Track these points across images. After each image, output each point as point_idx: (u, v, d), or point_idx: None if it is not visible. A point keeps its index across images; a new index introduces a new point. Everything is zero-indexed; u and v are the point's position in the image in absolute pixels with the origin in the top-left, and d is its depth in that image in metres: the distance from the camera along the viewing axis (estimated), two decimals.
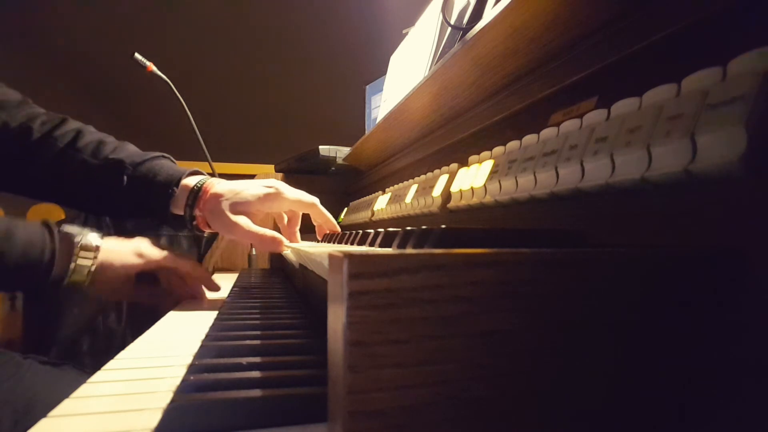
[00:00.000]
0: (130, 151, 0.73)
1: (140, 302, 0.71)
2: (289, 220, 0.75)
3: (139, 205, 0.70)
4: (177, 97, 1.25)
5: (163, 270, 0.69)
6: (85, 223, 1.39)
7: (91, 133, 0.74)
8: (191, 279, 0.70)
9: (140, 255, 0.65)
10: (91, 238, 0.61)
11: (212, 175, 1.10)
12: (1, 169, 0.72)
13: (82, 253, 0.59)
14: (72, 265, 0.59)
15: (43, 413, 0.26)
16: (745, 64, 0.24)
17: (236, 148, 1.94)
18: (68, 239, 0.59)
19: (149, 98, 1.74)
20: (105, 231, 0.64)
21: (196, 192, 0.67)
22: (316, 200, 0.71)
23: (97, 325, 1.31)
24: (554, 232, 0.35)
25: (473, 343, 0.18)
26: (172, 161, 0.74)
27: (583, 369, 0.19)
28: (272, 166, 1.47)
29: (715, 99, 0.25)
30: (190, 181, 0.68)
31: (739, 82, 0.24)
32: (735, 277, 0.21)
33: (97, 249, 0.61)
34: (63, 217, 1.48)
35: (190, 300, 0.71)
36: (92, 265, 0.60)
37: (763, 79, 0.23)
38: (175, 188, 0.68)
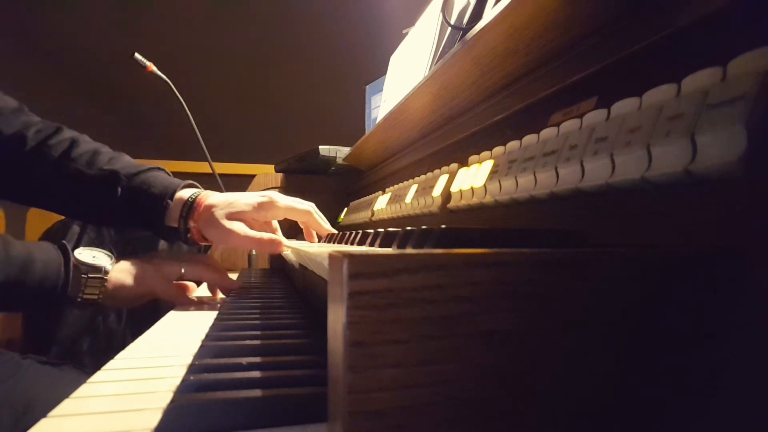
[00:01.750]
0: (125, 162, 0.73)
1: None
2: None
3: (133, 216, 0.71)
4: (177, 97, 1.25)
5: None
6: (84, 230, 1.40)
7: (86, 143, 0.74)
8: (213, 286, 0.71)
9: (142, 282, 0.65)
10: (102, 262, 0.63)
11: (212, 175, 1.10)
12: None
13: (91, 282, 0.61)
14: (83, 288, 0.61)
15: (43, 413, 0.26)
16: (745, 64, 0.24)
17: (236, 148, 1.94)
18: (78, 268, 0.61)
19: (149, 98, 1.74)
20: (106, 236, 0.65)
21: (191, 204, 0.67)
22: (311, 208, 0.70)
23: (97, 325, 1.31)
24: (554, 232, 0.35)
25: (473, 343, 0.18)
26: (167, 173, 0.74)
27: (583, 369, 0.19)
28: (272, 166, 1.47)
29: (715, 99, 0.25)
30: (185, 194, 0.69)
31: (739, 82, 0.24)
32: (735, 277, 0.21)
33: (106, 274, 0.62)
34: (62, 217, 1.48)
35: (189, 300, 0.71)
36: (100, 290, 0.62)
37: (763, 79, 0.23)
38: (169, 200, 0.68)
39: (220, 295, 0.72)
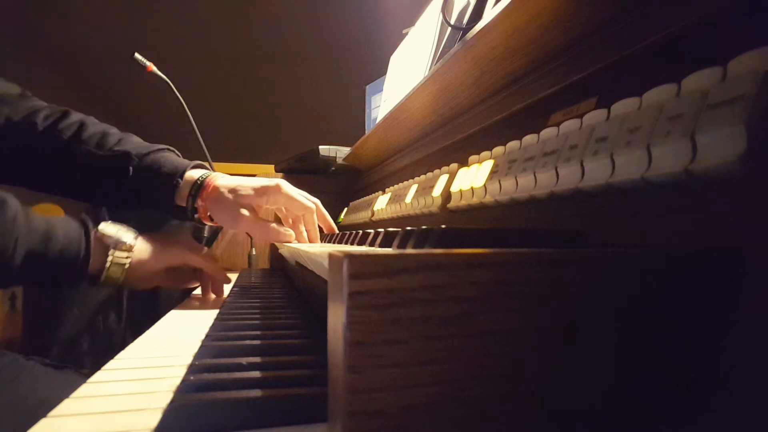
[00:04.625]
0: (135, 142, 0.73)
1: (170, 286, 0.73)
2: (293, 220, 0.75)
3: (144, 196, 0.72)
4: (177, 97, 1.25)
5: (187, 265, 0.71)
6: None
7: (94, 125, 0.75)
8: (209, 277, 0.73)
9: (170, 250, 0.67)
10: (126, 237, 0.63)
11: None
12: (7, 163, 0.73)
13: (117, 254, 0.62)
14: (107, 265, 0.61)
15: (45, 414, 0.26)
16: (745, 64, 0.24)
17: (236, 148, 1.94)
18: (103, 240, 0.61)
19: (149, 98, 1.74)
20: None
21: (200, 184, 0.68)
22: (312, 206, 0.70)
23: (97, 325, 1.31)
24: (554, 232, 0.35)
25: (473, 343, 0.18)
26: (177, 154, 0.75)
27: (583, 369, 0.19)
28: (272, 166, 1.47)
29: (715, 99, 0.25)
30: (194, 174, 0.70)
31: (739, 82, 0.24)
32: (734, 277, 0.21)
33: (131, 248, 0.63)
34: (62, 216, 1.47)
35: (191, 299, 0.71)
36: (126, 264, 0.62)
37: (763, 79, 0.23)
38: (179, 180, 0.69)
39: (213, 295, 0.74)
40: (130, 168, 0.70)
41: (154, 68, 1.26)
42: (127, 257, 0.62)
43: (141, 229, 0.67)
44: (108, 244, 0.61)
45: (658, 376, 0.20)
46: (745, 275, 0.21)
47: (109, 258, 0.61)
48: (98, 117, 0.78)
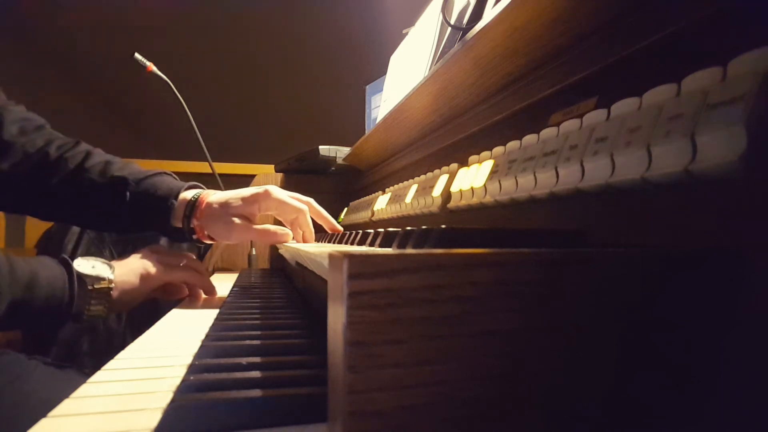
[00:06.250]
0: (133, 169, 0.75)
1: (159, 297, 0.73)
2: (291, 222, 0.75)
3: (141, 219, 0.73)
4: (177, 97, 1.25)
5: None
6: (83, 230, 1.40)
7: (100, 155, 0.77)
8: (194, 286, 0.73)
9: (148, 276, 0.67)
10: (102, 270, 0.63)
11: (212, 175, 1.11)
12: (24, 195, 0.75)
13: (98, 287, 0.61)
14: (90, 303, 0.61)
15: (46, 414, 0.26)
16: (745, 64, 0.24)
17: (236, 148, 1.94)
18: (84, 280, 0.61)
19: (149, 98, 1.73)
20: (106, 236, 0.65)
21: (193, 203, 0.69)
22: (304, 207, 0.70)
23: (97, 325, 1.31)
24: (554, 232, 0.35)
25: (473, 343, 0.18)
26: (174, 177, 0.77)
27: (583, 369, 0.19)
28: (272, 166, 1.47)
29: (715, 99, 0.25)
30: (188, 194, 0.71)
31: (739, 82, 0.24)
32: (735, 277, 0.21)
33: (110, 282, 0.63)
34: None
35: (191, 300, 0.71)
36: (107, 301, 0.62)
37: (763, 79, 0.23)
38: (174, 201, 0.70)
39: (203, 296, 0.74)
40: (127, 193, 0.71)
41: (154, 68, 1.26)
42: (108, 290, 0.62)
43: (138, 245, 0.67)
44: (86, 284, 0.61)
45: (658, 376, 0.20)
46: (745, 275, 0.21)
47: (89, 300, 0.61)
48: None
